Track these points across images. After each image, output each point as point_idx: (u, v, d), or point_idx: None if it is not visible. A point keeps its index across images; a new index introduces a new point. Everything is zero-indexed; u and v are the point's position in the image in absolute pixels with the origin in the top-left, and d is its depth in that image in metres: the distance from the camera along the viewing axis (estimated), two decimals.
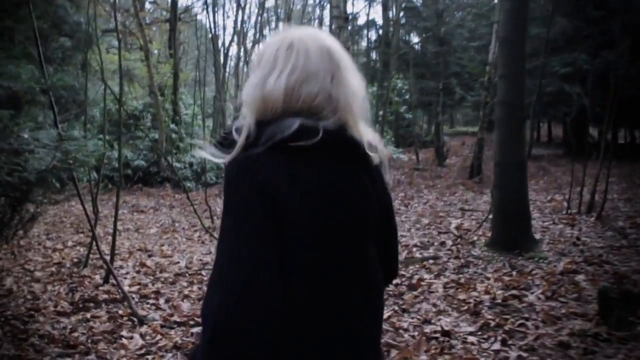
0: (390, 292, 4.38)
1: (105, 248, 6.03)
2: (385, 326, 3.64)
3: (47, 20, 5.40)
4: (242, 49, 22.42)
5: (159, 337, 3.60)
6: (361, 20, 27.57)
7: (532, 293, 4.23)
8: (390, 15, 20.21)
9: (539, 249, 5.55)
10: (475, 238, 6.36)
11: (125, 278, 5.13)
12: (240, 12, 23.05)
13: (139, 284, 4.96)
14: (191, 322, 3.83)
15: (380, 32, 24.64)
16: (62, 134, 3.99)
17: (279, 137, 0.97)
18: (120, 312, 4.10)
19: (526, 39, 5.56)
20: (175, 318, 3.92)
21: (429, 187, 12.53)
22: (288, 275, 0.96)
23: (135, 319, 3.90)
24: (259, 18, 20.98)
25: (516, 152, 5.57)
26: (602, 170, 7.98)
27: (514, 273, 4.82)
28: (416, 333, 3.57)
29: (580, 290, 4.23)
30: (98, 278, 5.09)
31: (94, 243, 4.59)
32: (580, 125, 11.73)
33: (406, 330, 3.63)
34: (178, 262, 5.86)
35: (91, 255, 5.70)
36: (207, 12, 23.72)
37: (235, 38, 21.85)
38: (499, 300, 4.09)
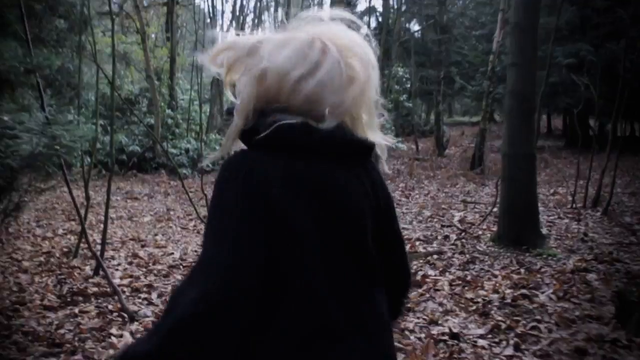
0: None
1: (97, 237, 5.83)
2: None
3: (42, 0, 5.14)
4: (240, 34, 22.04)
5: None
6: (361, 7, 27.21)
7: (543, 293, 4.04)
8: (391, 2, 19.86)
9: (546, 245, 5.37)
10: (480, 232, 6.17)
11: (117, 270, 4.91)
12: None
13: (131, 276, 4.75)
14: None
15: (381, 19, 24.28)
16: (49, 118, 3.75)
17: (277, 135, 0.93)
18: (110, 307, 3.89)
19: (538, 25, 5.31)
20: None
21: (429, 177, 12.34)
22: (282, 281, 0.91)
23: (125, 315, 3.68)
24: (258, 3, 20.61)
25: (526, 144, 5.35)
26: (608, 163, 7.81)
27: (522, 270, 4.64)
28: (422, 335, 3.38)
29: (593, 290, 4.05)
30: (88, 269, 4.87)
31: (84, 235, 4.35)
32: (584, 117, 11.55)
33: (412, 331, 3.44)
34: (172, 254, 5.65)
35: (82, 245, 5.47)
36: None
37: (234, 23, 21.51)
38: (509, 300, 3.90)
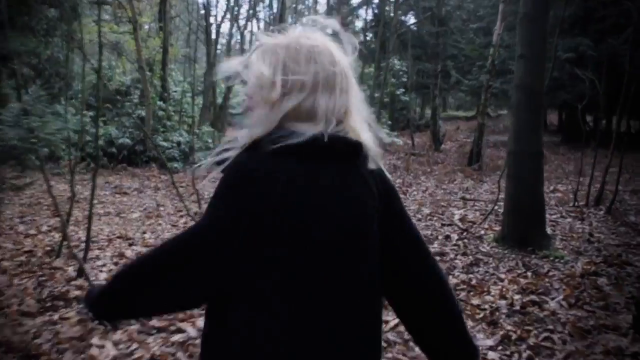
0: None
1: (83, 234, 5.53)
2: (392, 336, 3.22)
3: None
4: (234, 25, 21.70)
5: (134, 345, 3.13)
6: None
7: (553, 299, 3.82)
8: None
9: (552, 247, 5.15)
10: (482, 232, 5.95)
11: (102, 271, 4.63)
12: None
13: None
14: (172, 328, 3.36)
15: (377, 11, 23.95)
16: (27, 109, 3.47)
17: (283, 143, 0.97)
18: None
19: (548, 15, 5.06)
20: (155, 323, 3.43)
21: (426, 173, 12.10)
22: (276, 285, 0.97)
23: (107, 323, 3.42)
24: None
25: (533, 141, 5.11)
26: (611, 160, 7.62)
27: (530, 274, 4.42)
28: None
29: (606, 296, 3.84)
30: (71, 270, 4.58)
31: (65, 235, 4.07)
32: (581, 112, 11.35)
33: None
34: None
35: (65, 242, 5.18)
36: None
37: (228, 14, 21.11)
38: (518, 307, 3.68)
